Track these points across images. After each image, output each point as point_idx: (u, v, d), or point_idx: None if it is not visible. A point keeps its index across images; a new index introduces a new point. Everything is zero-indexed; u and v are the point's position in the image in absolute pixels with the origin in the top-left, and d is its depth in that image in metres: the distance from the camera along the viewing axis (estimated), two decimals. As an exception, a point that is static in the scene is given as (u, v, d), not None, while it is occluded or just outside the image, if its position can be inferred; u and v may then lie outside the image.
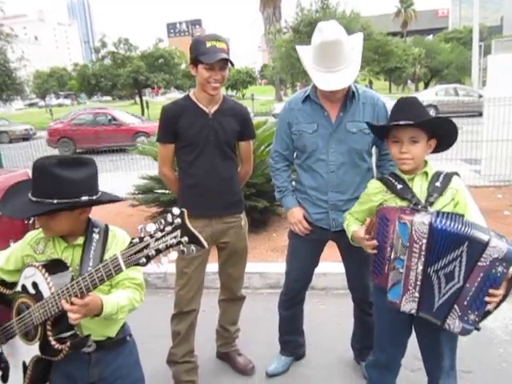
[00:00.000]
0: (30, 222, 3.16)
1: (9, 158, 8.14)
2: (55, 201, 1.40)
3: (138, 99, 37.82)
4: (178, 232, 1.22)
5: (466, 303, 1.56)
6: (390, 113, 1.86)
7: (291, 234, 2.43)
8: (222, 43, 2.14)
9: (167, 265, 2.67)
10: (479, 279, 1.52)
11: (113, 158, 7.30)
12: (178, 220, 1.22)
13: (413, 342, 1.92)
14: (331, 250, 2.46)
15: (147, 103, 23.83)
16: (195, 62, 2.17)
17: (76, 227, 1.54)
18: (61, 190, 1.41)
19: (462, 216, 1.62)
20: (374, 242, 1.75)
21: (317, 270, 2.50)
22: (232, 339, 2.71)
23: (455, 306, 1.59)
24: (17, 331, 1.51)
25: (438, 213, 1.62)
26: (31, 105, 66.42)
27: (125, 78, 30.75)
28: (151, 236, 1.23)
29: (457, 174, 1.79)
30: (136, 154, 5.38)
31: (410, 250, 1.62)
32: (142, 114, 27.12)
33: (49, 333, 1.42)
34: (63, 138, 14.89)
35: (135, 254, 1.26)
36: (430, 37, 48.46)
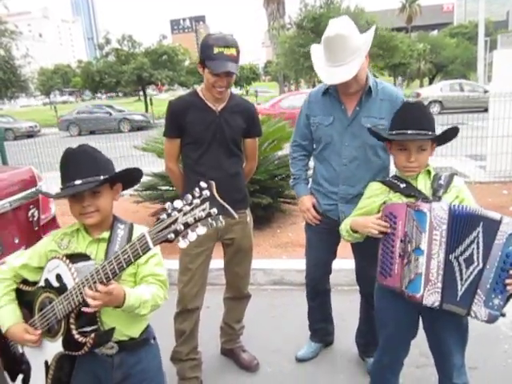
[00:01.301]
0: (35, 218, 3.16)
1: (13, 155, 8.15)
2: (101, 177, 1.46)
3: (142, 96, 37.86)
4: (207, 204, 1.20)
5: (488, 286, 1.56)
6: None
7: (306, 226, 2.49)
8: (230, 49, 2.08)
9: (171, 261, 2.68)
10: (498, 258, 1.54)
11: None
12: (207, 192, 1.20)
13: (417, 339, 1.91)
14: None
15: (151, 100, 23.81)
16: (202, 64, 2.15)
17: (110, 212, 1.56)
18: (104, 166, 1.51)
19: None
20: (386, 224, 1.71)
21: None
22: (236, 336, 2.72)
23: (478, 291, 1.57)
24: (39, 328, 1.49)
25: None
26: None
27: (129, 75, 30.76)
28: (179, 210, 1.21)
29: (456, 174, 1.82)
30: (140, 150, 5.38)
31: (430, 238, 1.60)
32: (146, 110, 27.13)
33: (72, 326, 1.39)
34: None
35: (163, 230, 1.23)
36: (435, 32, 48.18)
